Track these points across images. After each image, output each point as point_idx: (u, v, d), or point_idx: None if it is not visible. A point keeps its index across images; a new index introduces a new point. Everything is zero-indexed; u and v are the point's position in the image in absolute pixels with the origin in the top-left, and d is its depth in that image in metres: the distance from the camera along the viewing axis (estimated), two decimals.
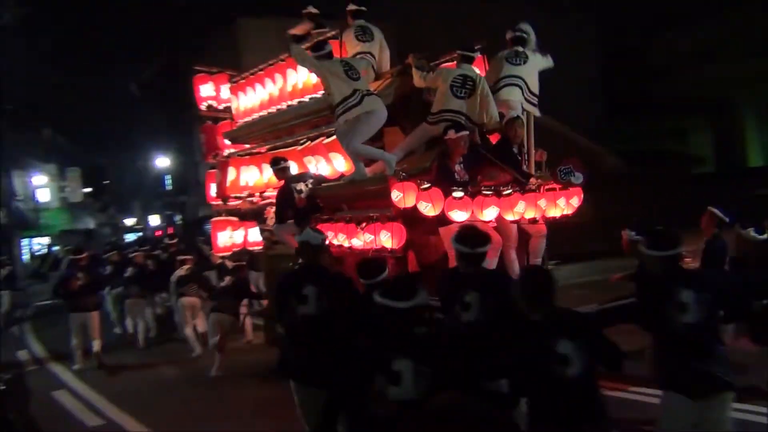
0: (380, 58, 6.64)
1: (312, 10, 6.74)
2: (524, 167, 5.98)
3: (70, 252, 9.91)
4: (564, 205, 5.55)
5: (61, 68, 29.05)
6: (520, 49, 6.14)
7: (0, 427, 4.01)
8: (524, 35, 6.21)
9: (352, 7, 6.79)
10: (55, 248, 26.95)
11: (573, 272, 8.09)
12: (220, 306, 7.70)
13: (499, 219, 5.41)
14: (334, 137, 5.90)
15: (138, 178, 34.44)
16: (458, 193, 5.12)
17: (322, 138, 6.06)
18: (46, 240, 28.92)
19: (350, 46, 6.56)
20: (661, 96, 19.86)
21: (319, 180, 6.24)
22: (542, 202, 5.34)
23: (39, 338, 11.78)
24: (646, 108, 20.59)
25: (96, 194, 31.66)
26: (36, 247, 29.08)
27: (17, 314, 14.68)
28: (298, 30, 6.56)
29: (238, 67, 10.00)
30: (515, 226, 5.67)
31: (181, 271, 8.94)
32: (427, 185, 5.14)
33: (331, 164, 6.05)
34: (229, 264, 8.28)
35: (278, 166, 6.28)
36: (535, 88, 6.12)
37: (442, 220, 5.27)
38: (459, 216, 5.11)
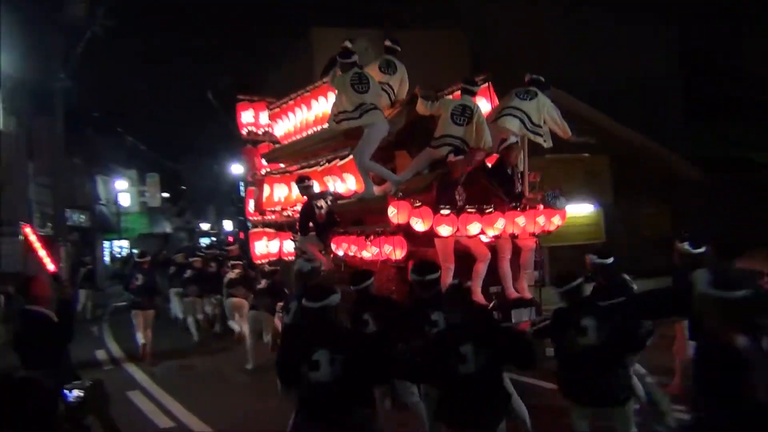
0: (399, 90, 7.92)
1: (348, 45, 8.09)
2: (519, 186, 7.13)
3: (136, 255, 11.88)
4: (544, 223, 6.68)
5: (142, 77, 32.10)
6: (533, 88, 7.31)
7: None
8: (541, 78, 7.41)
9: (387, 43, 8.17)
10: (135, 251, 29.72)
11: (647, 287, 8.35)
12: (258, 304, 9.16)
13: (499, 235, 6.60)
14: (347, 160, 7.27)
15: (213, 184, 37.22)
16: (445, 211, 6.32)
17: (336, 160, 7.44)
18: (125, 243, 31.75)
19: (373, 74, 7.89)
20: (747, 101, 19.66)
21: (337, 197, 7.62)
22: (521, 220, 6.48)
23: (116, 338, 13.02)
24: (729, 113, 20.46)
25: (173, 199, 34.59)
26: (116, 250, 32.02)
27: (97, 313, 16.56)
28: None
29: (312, 75, 11.21)
30: (510, 240, 6.82)
31: (231, 274, 10.62)
32: (418, 204, 6.37)
33: (344, 183, 7.41)
34: (266, 268, 9.74)
35: (302, 184, 7.67)
36: (539, 121, 7.24)
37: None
38: (445, 231, 6.31)
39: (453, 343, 3.99)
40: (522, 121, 7.16)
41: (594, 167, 15.04)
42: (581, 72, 17.15)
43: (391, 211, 6.39)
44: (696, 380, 3.17)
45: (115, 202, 30.61)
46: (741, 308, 2.98)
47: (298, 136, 8.70)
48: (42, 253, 5.25)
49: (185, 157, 35.00)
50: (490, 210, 6.35)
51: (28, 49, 18.42)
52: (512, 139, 6.99)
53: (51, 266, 5.17)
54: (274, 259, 9.57)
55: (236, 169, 32.97)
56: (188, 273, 12.09)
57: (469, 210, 6.33)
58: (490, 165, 7.31)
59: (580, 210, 14.71)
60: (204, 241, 33.80)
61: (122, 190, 31.35)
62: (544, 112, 7.26)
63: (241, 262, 10.94)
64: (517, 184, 7.05)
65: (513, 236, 6.58)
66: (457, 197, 6.59)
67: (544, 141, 7.32)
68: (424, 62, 16.30)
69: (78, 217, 25.86)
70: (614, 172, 15.27)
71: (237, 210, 36.27)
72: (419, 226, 6.31)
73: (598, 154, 15.09)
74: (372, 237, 6.77)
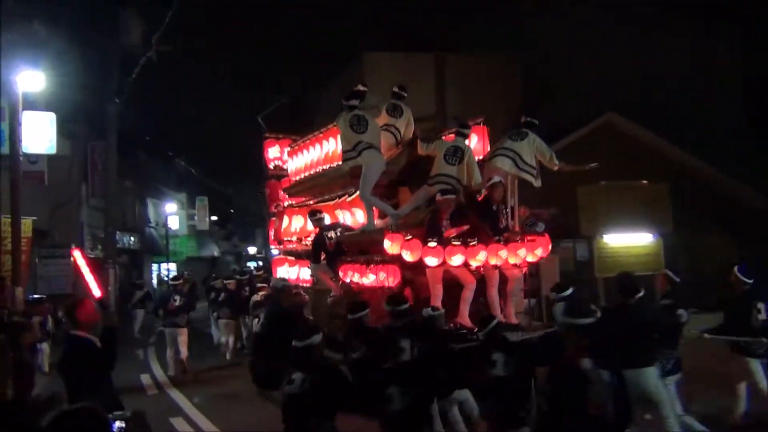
0: (405, 132, 9.16)
1: (360, 87, 9.36)
2: (506, 222, 8.24)
3: (171, 278, 13.49)
4: (526, 255, 7.80)
5: (193, 102, 34.26)
6: (524, 129, 8.45)
7: None
8: (534, 121, 8.54)
9: (395, 89, 9.44)
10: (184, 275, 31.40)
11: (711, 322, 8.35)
12: None
13: (484, 266, 7.76)
14: (354, 196, 8.56)
15: (261, 208, 38.98)
16: (432, 243, 7.50)
17: (345, 196, 8.75)
18: (173, 266, 33.55)
19: (381, 116, 9.14)
20: None
21: (346, 229, 8.90)
22: (503, 253, 7.61)
23: (160, 362, 13.46)
24: None
25: (221, 223, 36.45)
26: (163, 273, 33.89)
27: (143, 335, 17.91)
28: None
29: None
30: (497, 271, 7.94)
31: (256, 297, 11.98)
32: (409, 237, 7.57)
33: (353, 217, 8.68)
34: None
35: (314, 217, 8.90)
36: (531, 160, 8.35)
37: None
38: (432, 261, 7.49)
39: (382, 385, 5.17)
40: (513, 160, 8.29)
41: (653, 195, 15.05)
42: (640, 95, 17.61)
43: (386, 243, 7.56)
44: (547, 394, 4.12)
45: (165, 225, 32.11)
46: (586, 333, 4.03)
47: (306, 174, 10.10)
48: (89, 277, 5.48)
49: (234, 181, 36.91)
50: (474, 243, 7.50)
51: (84, 74, 20.02)
52: (495, 179, 8.07)
53: (97, 292, 5.48)
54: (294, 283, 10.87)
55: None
56: (222, 296, 13.61)
57: (454, 242, 7.50)
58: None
59: (638, 239, 14.88)
60: (250, 264, 35.43)
61: (172, 213, 32.89)
62: (534, 149, 8.38)
63: (264, 285, 12.31)
64: (502, 219, 8.15)
65: (495, 267, 7.70)
66: (443, 232, 7.68)
67: (535, 179, 8.43)
68: (475, 86, 17.40)
69: (128, 240, 27.63)
70: (675, 200, 15.24)
71: None
72: (408, 257, 7.48)
73: (657, 181, 15.31)
74: (371, 265, 7.99)
